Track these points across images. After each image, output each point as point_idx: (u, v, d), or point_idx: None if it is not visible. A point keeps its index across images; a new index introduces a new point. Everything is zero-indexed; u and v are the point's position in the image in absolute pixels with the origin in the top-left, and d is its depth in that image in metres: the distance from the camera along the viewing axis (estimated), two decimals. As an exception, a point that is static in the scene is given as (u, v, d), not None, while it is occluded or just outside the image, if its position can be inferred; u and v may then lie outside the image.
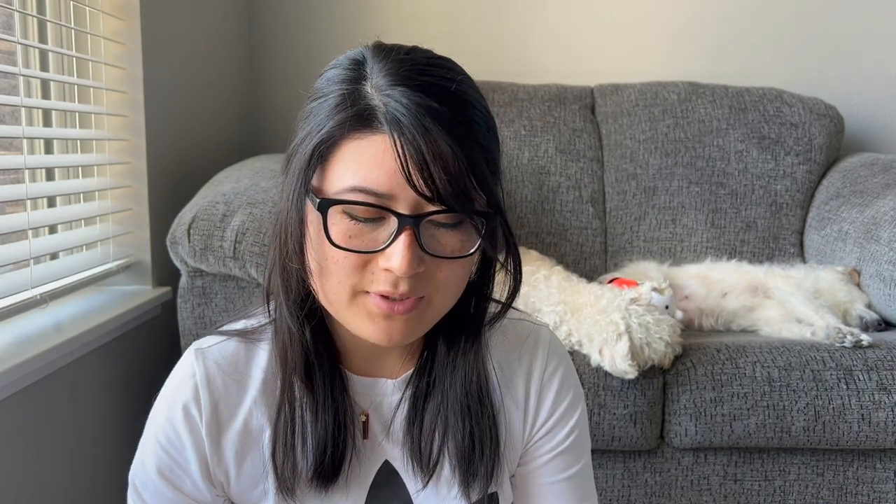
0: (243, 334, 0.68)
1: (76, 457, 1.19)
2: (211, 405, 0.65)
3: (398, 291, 0.56)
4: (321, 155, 0.58)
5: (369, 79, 0.58)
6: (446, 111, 0.55)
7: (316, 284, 0.60)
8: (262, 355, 0.67)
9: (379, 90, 0.56)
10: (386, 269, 0.56)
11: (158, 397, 0.70)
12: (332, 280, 0.58)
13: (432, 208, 0.55)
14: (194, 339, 1.31)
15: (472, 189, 0.56)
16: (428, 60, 0.59)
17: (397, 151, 0.54)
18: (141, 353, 1.41)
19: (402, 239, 0.55)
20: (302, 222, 0.59)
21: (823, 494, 1.38)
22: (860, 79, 2.15)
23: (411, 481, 0.68)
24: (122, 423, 1.34)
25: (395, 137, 0.54)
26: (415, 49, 0.61)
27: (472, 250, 0.58)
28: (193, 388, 0.66)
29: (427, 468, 0.67)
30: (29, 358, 1.02)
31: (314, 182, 0.59)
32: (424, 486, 0.68)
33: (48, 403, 1.11)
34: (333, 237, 0.56)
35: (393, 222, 0.56)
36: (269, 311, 0.66)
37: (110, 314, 1.25)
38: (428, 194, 0.54)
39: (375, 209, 0.55)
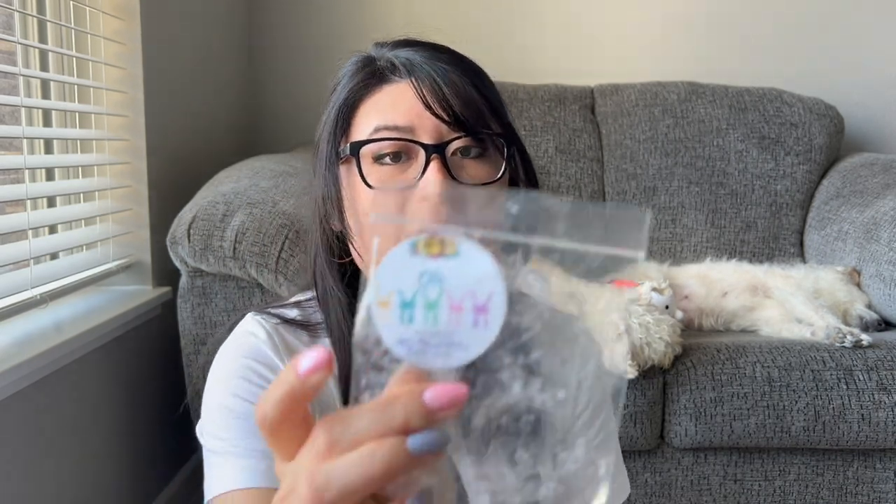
0: (305, 326, 0.70)
1: (77, 457, 1.19)
2: (285, 350, 0.66)
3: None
4: (345, 118, 0.63)
5: (377, 56, 0.64)
6: (449, 58, 0.62)
7: (359, 247, 0.64)
8: (326, 341, 0.68)
9: (386, 54, 0.63)
10: (421, 201, 0.58)
11: (218, 356, 0.69)
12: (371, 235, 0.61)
13: (454, 135, 0.59)
14: (194, 339, 1.32)
15: (487, 114, 0.61)
16: (424, 40, 0.66)
17: (414, 85, 0.60)
18: (141, 353, 1.41)
19: (432, 167, 0.59)
20: (337, 184, 0.64)
21: (823, 494, 1.38)
22: (860, 79, 2.15)
23: (464, 457, 0.69)
24: (122, 423, 1.34)
25: (412, 77, 0.60)
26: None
27: (498, 175, 0.62)
28: (265, 334, 0.67)
29: (477, 445, 0.69)
30: (29, 358, 1.02)
31: (342, 147, 0.63)
32: (479, 462, 0.69)
33: (48, 404, 1.11)
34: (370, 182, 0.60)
35: (421, 157, 0.59)
36: (318, 298, 0.69)
37: (110, 314, 1.25)
38: (446, 117, 0.59)
39: (401, 143, 0.60)
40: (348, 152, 0.61)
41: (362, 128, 0.62)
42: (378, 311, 0.35)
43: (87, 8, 1.33)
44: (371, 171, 0.60)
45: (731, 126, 1.92)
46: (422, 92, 0.59)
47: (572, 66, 2.17)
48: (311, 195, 0.68)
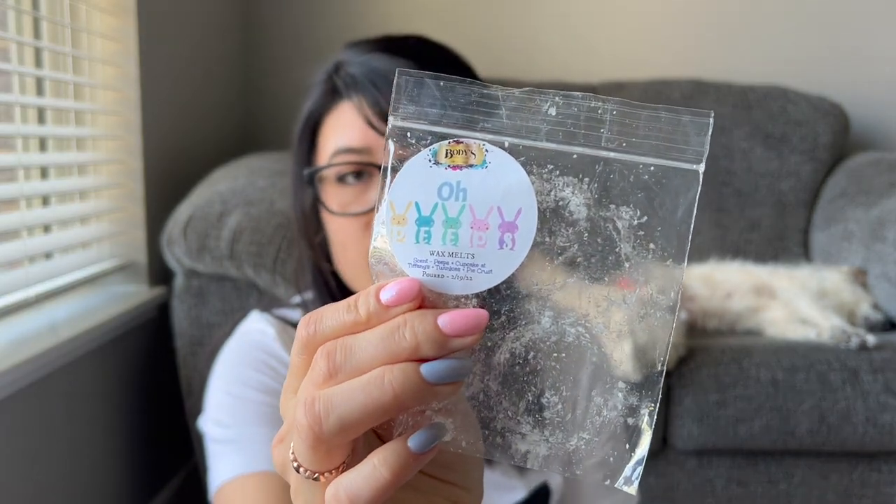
0: None
1: (70, 460, 1.18)
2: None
3: None
4: (309, 137, 0.63)
5: (340, 64, 0.63)
6: (396, 52, 0.60)
7: (339, 262, 0.64)
8: None
9: (346, 64, 0.62)
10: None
11: (226, 350, 0.70)
12: (348, 251, 0.61)
13: None
14: (190, 341, 1.30)
15: None
16: (400, 36, 0.64)
17: (354, 106, 0.59)
18: (137, 354, 1.39)
19: None
20: (315, 206, 0.64)
21: (829, 498, 1.37)
22: (866, 77, 2.13)
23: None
24: (117, 425, 1.33)
25: (353, 96, 0.59)
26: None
27: None
28: (275, 332, 0.67)
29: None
30: (24, 360, 1.00)
31: (305, 171, 0.64)
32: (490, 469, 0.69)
33: (43, 406, 1.10)
34: (334, 208, 0.60)
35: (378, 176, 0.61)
36: (303, 304, 0.70)
37: (106, 315, 1.23)
38: None
39: (358, 165, 0.59)
40: (307, 180, 0.61)
41: (324, 148, 0.61)
42: (392, 228, 0.31)
43: (84, 6, 1.31)
44: (336, 192, 0.60)
45: (735, 124, 1.90)
46: (367, 111, 0.58)
47: (574, 61, 2.15)
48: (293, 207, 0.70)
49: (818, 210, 1.87)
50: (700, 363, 1.32)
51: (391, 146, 0.31)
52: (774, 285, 1.57)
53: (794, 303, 1.50)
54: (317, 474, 0.30)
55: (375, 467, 0.28)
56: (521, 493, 0.69)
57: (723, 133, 1.90)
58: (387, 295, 0.29)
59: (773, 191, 1.88)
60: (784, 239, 1.88)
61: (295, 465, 0.30)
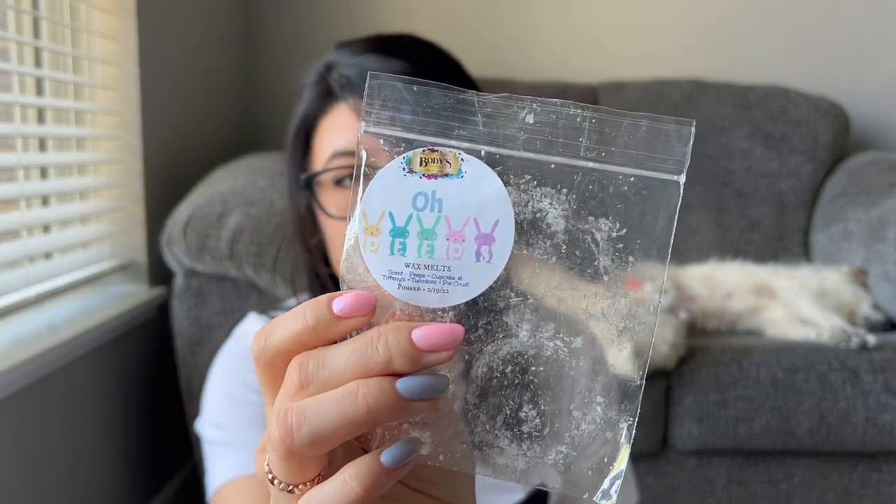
0: None
1: (69, 461, 1.18)
2: None
3: None
4: (304, 140, 0.63)
5: (333, 64, 0.63)
6: (389, 53, 0.59)
7: (338, 264, 0.64)
8: None
9: (339, 65, 0.62)
10: None
11: (223, 351, 0.70)
12: None
13: None
14: (190, 341, 1.30)
15: None
16: (391, 34, 0.64)
17: (350, 107, 0.59)
18: (137, 354, 1.39)
19: None
20: (310, 209, 0.64)
21: (829, 498, 1.37)
22: (866, 76, 2.13)
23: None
24: (116, 426, 1.32)
25: (349, 97, 0.59)
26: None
27: None
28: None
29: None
30: (24, 360, 1.00)
31: (301, 176, 0.63)
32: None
33: (43, 406, 1.10)
34: (333, 211, 0.60)
35: None
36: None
37: (106, 315, 1.23)
38: None
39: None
40: (304, 186, 0.61)
41: (320, 151, 0.61)
42: (365, 239, 0.30)
43: (83, 6, 1.31)
44: (334, 195, 0.60)
45: (735, 124, 1.90)
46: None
47: (574, 61, 2.15)
48: (286, 218, 0.70)
49: (818, 210, 1.87)
50: (700, 363, 1.32)
51: (363, 153, 0.30)
52: (774, 285, 1.56)
53: (795, 303, 1.50)
54: (291, 486, 0.29)
55: (346, 482, 0.28)
56: (520, 495, 0.69)
57: (723, 133, 1.90)
58: (340, 305, 0.28)
59: (773, 191, 1.88)
60: (784, 239, 1.88)
61: (270, 476, 0.30)
